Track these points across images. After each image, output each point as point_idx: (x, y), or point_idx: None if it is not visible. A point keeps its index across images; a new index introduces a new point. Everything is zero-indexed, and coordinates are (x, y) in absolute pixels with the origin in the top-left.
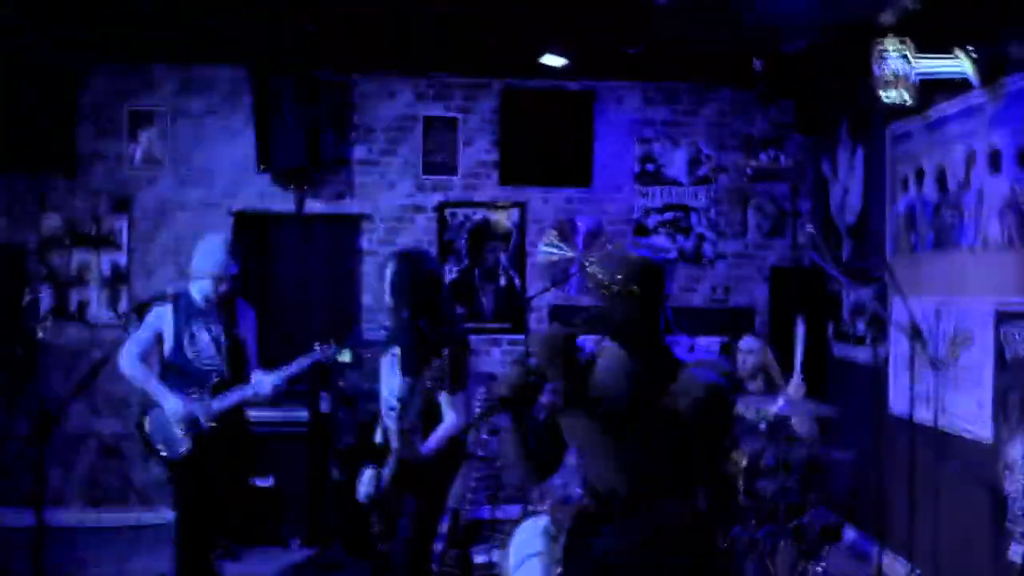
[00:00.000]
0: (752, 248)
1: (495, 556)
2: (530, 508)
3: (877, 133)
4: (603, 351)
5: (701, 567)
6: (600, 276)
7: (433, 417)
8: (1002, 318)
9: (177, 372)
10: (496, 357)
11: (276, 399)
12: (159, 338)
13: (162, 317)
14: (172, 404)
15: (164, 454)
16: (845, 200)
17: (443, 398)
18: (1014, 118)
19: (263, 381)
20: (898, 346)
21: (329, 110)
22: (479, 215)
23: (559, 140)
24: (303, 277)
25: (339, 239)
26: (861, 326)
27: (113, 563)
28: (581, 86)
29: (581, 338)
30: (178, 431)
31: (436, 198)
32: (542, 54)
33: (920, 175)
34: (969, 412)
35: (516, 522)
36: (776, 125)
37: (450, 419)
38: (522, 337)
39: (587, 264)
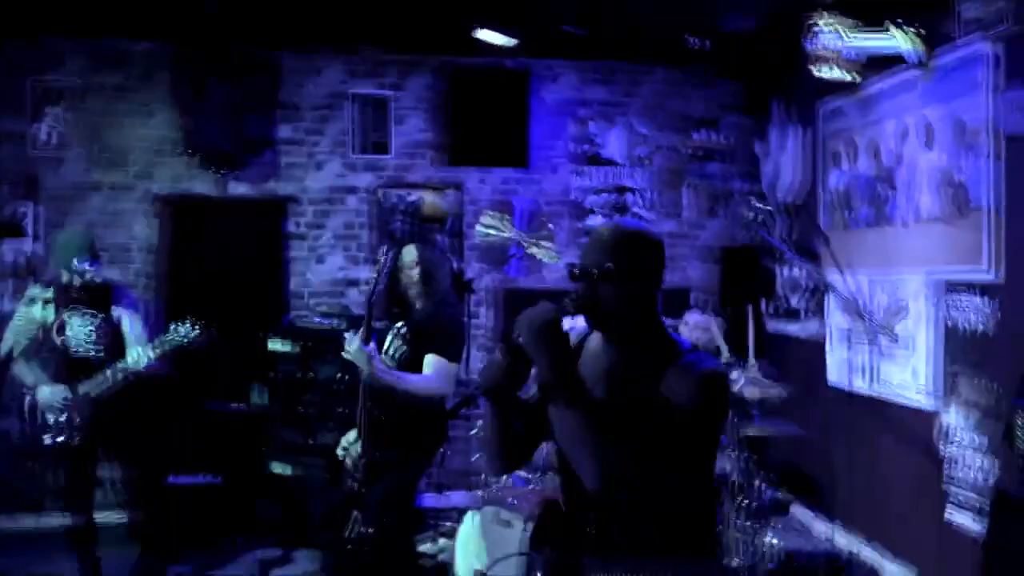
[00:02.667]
0: (687, 227)
1: (440, 544)
2: (479, 494)
3: (809, 110)
4: (590, 339)
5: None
6: (581, 258)
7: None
8: (936, 289)
9: (53, 359)
10: None
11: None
12: (39, 325)
13: (33, 307)
14: (46, 392)
15: (48, 442)
16: (779, 178)
17: (430, 359)
18: (947, 93)
19: (129, 357)
20: (833, 319)
21: (253, 88)
22: (414, 196)
23: (495, 119)
24: (227, 262)
25: (265, 223)
26: (796, 301)
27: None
28: (517, 64)
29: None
30: (53, 418)
31: (368, 179)
32: (478, 30)
33: (854, 151)
34: (906, 381)
35: (461, 511)
36: (711, 105)
37: (427, 373)
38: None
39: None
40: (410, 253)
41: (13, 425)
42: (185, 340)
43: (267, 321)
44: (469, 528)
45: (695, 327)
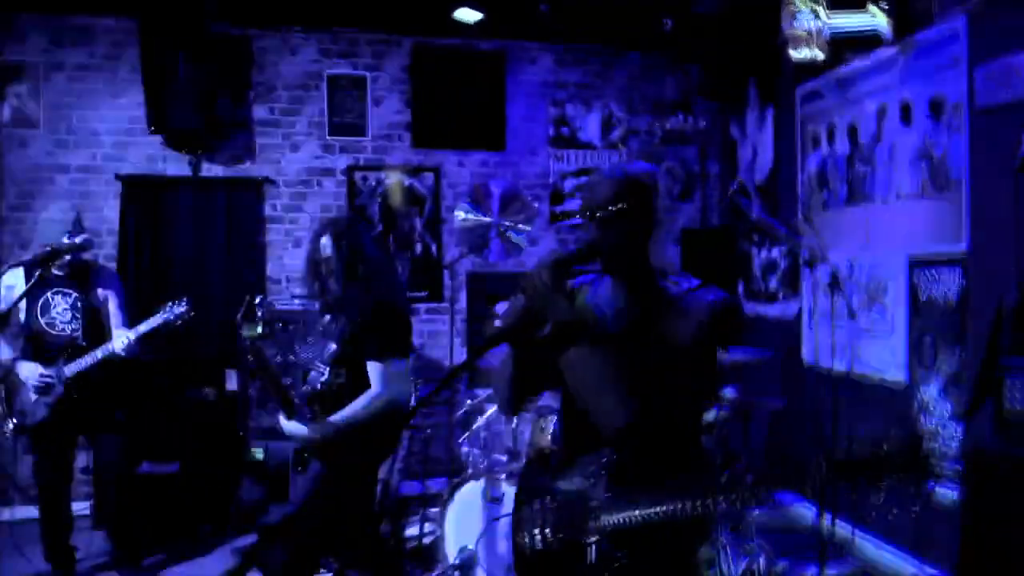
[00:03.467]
0: (663, 212)
1: (428, 528)
2: (466, 474)
3: (786, 93)
4: (593, 280)
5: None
6: (586, 201)
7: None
8: (914, 265)
9: (33, 340)
10: (414, 327)
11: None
12: (14, 307)
13: (12, 286)
14: (25, 371)
15: (21, 422)
16: (755, 160)
17: (369, 367)
18: (925, 70)
19: (114, 341)
20: (810, 300)
21: (225, 67)
22: (392, 179)
23: (472, 101)
24: (201, 246)
25: (240, 205)
26: (773, 283)
27: None
28: (493, 46)
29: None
30: (33, 398)
31: (345, 161)
32: (454, 8)
33: (831, 132)
34: (884, 358)
35: (452, 489)
36: (685, 89)
37: (372, 389)
38: (444, 305)
39: (577, 192)
40: (324, 237)
41: None
42: (177, 321)
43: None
44: (458, 505)
45: None
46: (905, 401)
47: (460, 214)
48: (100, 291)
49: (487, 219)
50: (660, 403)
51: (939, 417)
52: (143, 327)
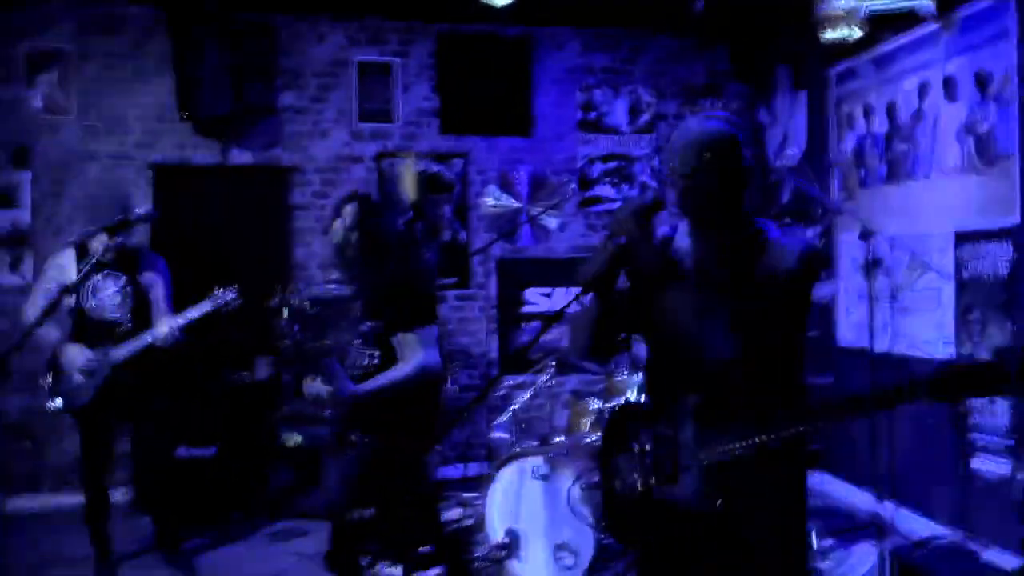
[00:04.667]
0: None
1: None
2: (515, 450)
3: (819, 75)
4: (677, 234)
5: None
6: (671, 161)
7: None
8: (961, 240)
9: (80, 322)
10: (444, 313)
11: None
12: (64, 289)
13: (63, 267)
14: (73, 354)
15: (67, 404)
16: (785, 144)
17: (396, 339)
18: (970, 45)
19: (160, 327)
20: (850, 280)
21: (254, 55)
22: (421, 166)
23: (500, 87)
24: (230, 234)
25: (269, 193)
26: None
27: (27, 550)
28: (521, 31)
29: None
30: (80, 381)
31: (373, 147)
32: None
33: (867, 111)
34: (928, 335)
35: (496, 468)
36: (714, 73)
37: (405, 359)
38: (473, 292)
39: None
40: (347, 214)
41: (13, 403)
42: (226, 307)
43: (272, 292)
44: (502, 485)
45: None
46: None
47: (489, 200)
48: (148, 275)
49: (516, 204)
50: (762, 339)
51: None
52: (192, 313)
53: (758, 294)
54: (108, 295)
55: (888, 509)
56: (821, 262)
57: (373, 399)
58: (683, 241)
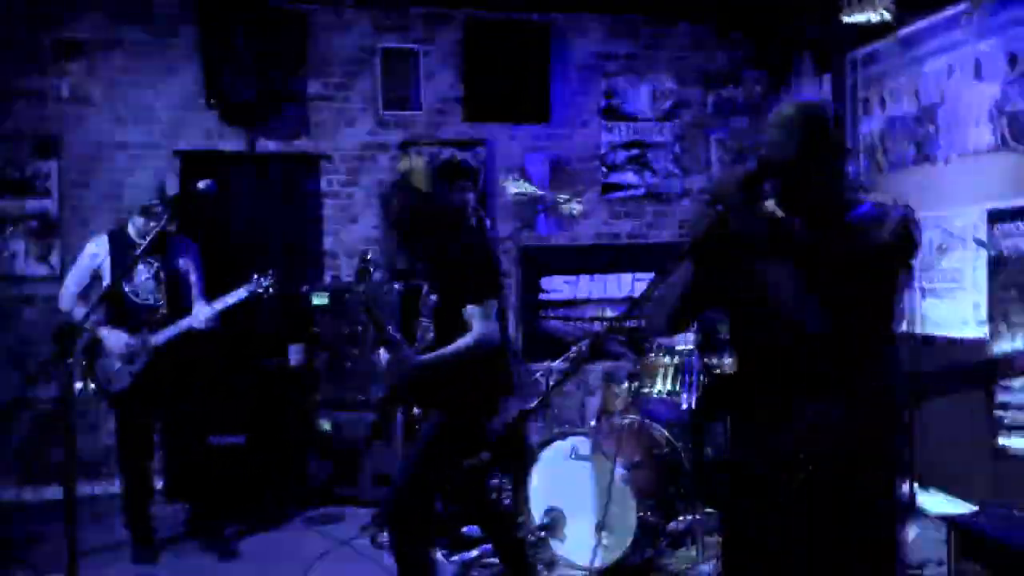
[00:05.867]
0: (710, 183)
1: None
2: (558, 431)
3: (841, 59)
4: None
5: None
6: (769, 138)
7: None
8: (993, 218)
9: (117, 308)
10: None
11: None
12: (96, 274)
13: (97, 254)
14: (112, 340)
15: (105, 388)
16: None
17: (465, 311)
18: (1000, 24)
19: (198, 313)
20: None
21: (281, 42)
22: (446, 153)
23: (523, 74)
24: (258, 222)
25: (296, 181)
26: None
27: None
28: (544, 17)
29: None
30: (118, 366)
31: (398, 135)
32: None
33: (892, 94)
34: (957, 315)
35: (537, 449)
36: (735, 59)
37: (472, 335)
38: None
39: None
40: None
41: (48, 392)
42: (262, 294)
43: (302, 280)
44: (543, 465)
45: None
46: (980, 356)
47: (511, 187)
48: (181, 260)
49: (538, 192)
50: (857, 314)
51: None
52: (229, 299)
53: (854, 269)
54: (143, 280)
55: (916, 491)
56: (916, 233)
57: (434, 371)
58: (780, 215)
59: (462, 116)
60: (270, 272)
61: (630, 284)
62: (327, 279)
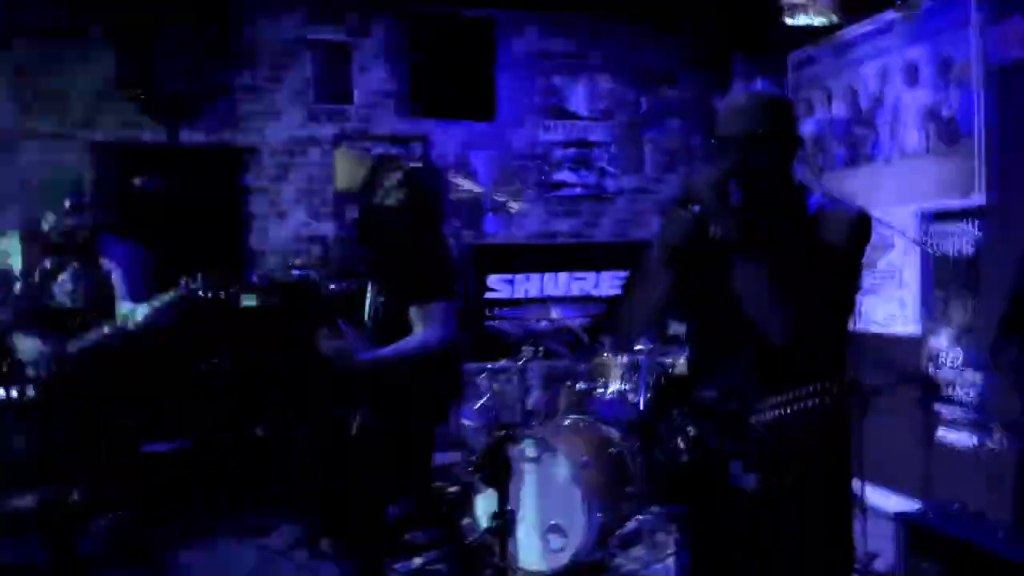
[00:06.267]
0: (650, 183)
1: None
2: (505, 432)
3: (778, 61)
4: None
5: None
6: (726, 128)
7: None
8: (925, 220)
9: (32, 312)
10: None
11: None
12: (6, 276)
13: (7, 255)
14: (23, 345)
15: (19, 396)
16: None
17: (412, 312)
18: (931, 31)
19: (125, 317)
20: None
21: (207, 30)
22: (380, 149)
23: (461, 70)
24: (180, 218)
25: (221, 175)
26: None
27: None
28: (482, 13)
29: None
30: (32, 373)
31: (331, 130)
32: None
33: (828, 97)
34: (891, 312)
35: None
36: (671, 60)
37: (422, 333)
38: None
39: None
40: (391, 171)
41: None
42: (193, 297)
43: (230, 279)
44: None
45: None
46: (915, 352)
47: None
48: (106, 261)
49: (477, 190)
50: (815, 311)
51: (952, 366)
52: (156, 303)
53: (813, 265)
54: (60, 282)
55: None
56: (871, 230)
57: (378, 368)
58: (737, 212)
59: (399, 111)
60: (199, 274)
61: (567, 283)
62: (254, 278)
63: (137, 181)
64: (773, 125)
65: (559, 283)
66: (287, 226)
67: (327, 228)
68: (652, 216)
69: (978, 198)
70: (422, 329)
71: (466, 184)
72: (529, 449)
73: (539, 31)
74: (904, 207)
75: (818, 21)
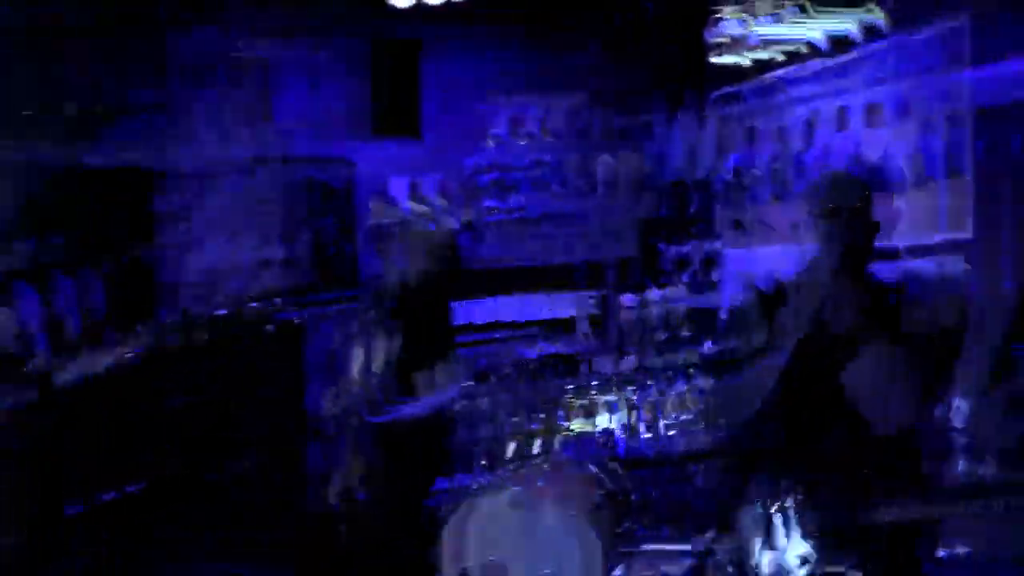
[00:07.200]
0: (574, 206)
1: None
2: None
3: (701, 97)
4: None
5: None
6: (827, 200)
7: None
8: None
9: None
10: (327, 332)
11: None
12: None
13: None
14: None
15: None
16: (664, 160)
17: (440, 369)
18: (861, 80)
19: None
20: (729, 292)
21: (110, 43)
22: (302, 172)
23: (389, 91)
24: (81, 247)
25: (127, 200)
26: (685, 277)
27: None
28: (411, 32)
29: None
30: None
31: (249, 152)
32: None
33: (753, 135)
34: None
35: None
36: (608, 85)
37: (444, 391)
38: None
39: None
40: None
41: None
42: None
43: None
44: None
45: None
46: None
47: (375, 209)
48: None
49: (408, 215)
50: (922, 404)
51: None
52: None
53: (924, 355)
54: None
55: None
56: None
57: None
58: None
59: (322, 132)
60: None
61: (494, 310)
62: (162, 314)
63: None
64: (867, 199)
65: (486, 310)
66: (202, 257)
67: (246, 257)
68: (602, 237)
69: (900, 240)
70: (444, 388)
71: (393, 210)
72: (519, 496)
73: (469, 53)
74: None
75: (745, 62)
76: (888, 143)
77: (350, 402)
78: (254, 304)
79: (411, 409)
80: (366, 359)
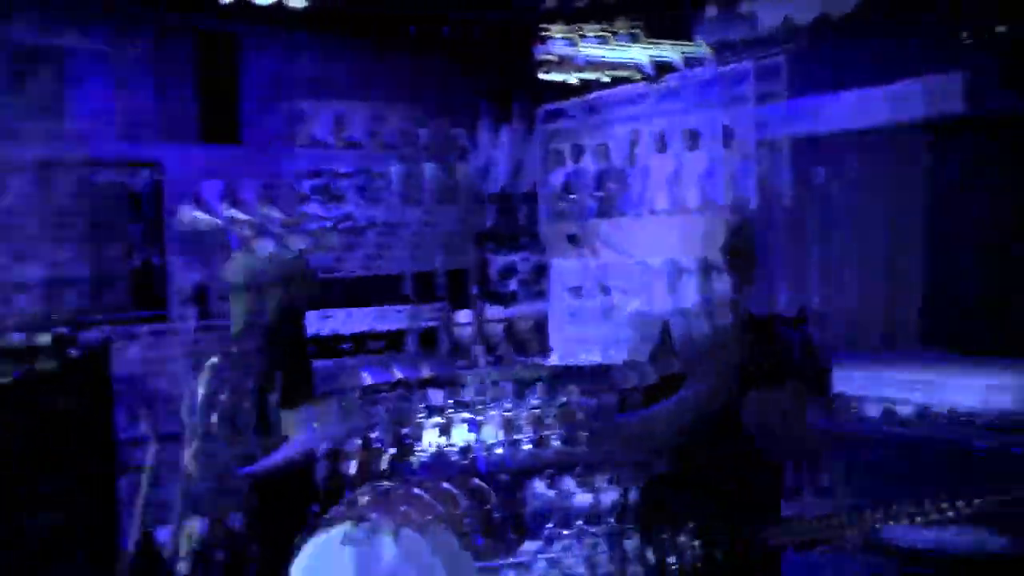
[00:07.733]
0: (400, 216)
1: None
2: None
3: (528, 111)
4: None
5: None
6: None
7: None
8: (674, 270)
9: None
10: (135, 355)
11: None
12: None
13: None
14: None
15: None
16: (490, 172)
17: (301, 413)
18: (680, 106)
19: None
20: (558, 302)
21: None
22: (103, 176)
23: (203, 89)
24: None
25: None
26: (512, 285)
27: None
28: (228, 29)
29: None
30: None
31: (37, 152)
32: None
33: (578, 151)
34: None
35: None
36: (441, 92)
37: (306, 435)
38: (173, 326)
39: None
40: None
41: None
42: None
43: None
44: (317, 553)
45: None
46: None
47: (187, 217)
48: None
49: (219, 222)
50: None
51: None
52: None
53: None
54: None
55: None
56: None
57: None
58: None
59: (126, 133)
60: None
61: (317, 321)
62: None
63: None
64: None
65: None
66: None
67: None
68: (400, 249)
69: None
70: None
71: (203, 216)
72: (352, 532)
73: (288, 52)
74: (653, 258)
75: (573, 80)
76: (705, 167)
77: (214, 456)
78: (56, 328)
79: (282, 453)
80: (230, 405)
